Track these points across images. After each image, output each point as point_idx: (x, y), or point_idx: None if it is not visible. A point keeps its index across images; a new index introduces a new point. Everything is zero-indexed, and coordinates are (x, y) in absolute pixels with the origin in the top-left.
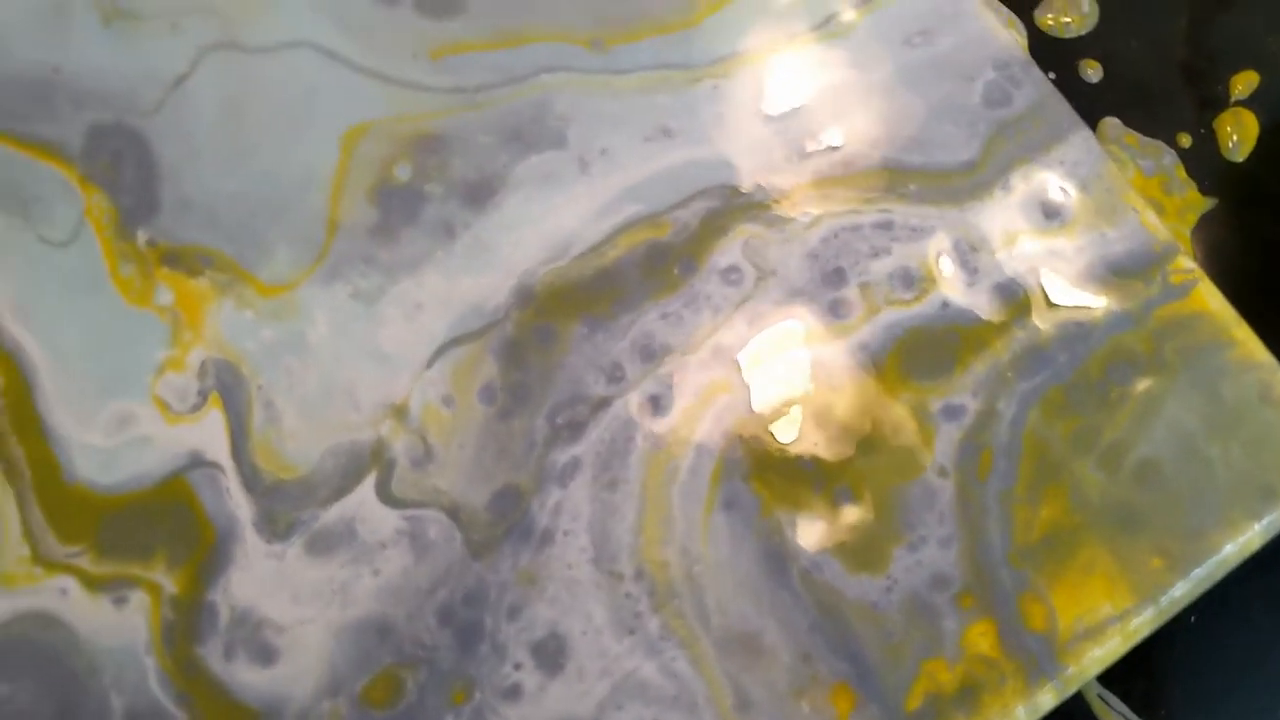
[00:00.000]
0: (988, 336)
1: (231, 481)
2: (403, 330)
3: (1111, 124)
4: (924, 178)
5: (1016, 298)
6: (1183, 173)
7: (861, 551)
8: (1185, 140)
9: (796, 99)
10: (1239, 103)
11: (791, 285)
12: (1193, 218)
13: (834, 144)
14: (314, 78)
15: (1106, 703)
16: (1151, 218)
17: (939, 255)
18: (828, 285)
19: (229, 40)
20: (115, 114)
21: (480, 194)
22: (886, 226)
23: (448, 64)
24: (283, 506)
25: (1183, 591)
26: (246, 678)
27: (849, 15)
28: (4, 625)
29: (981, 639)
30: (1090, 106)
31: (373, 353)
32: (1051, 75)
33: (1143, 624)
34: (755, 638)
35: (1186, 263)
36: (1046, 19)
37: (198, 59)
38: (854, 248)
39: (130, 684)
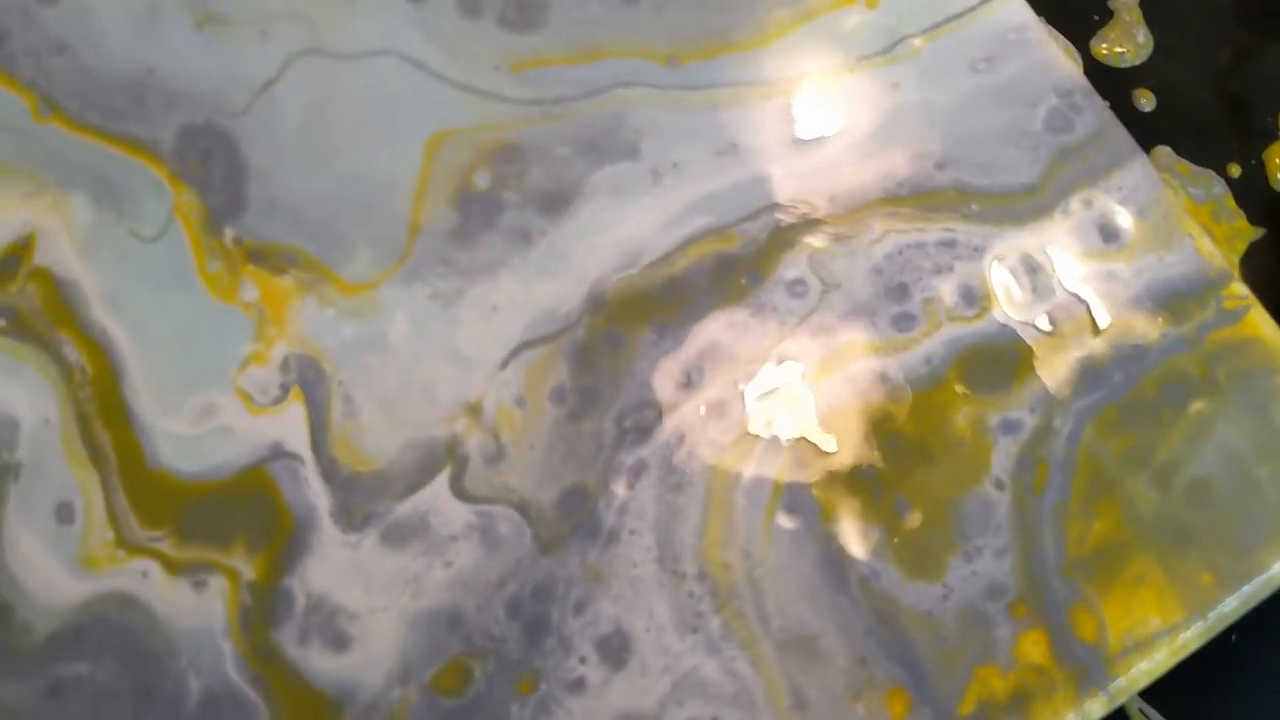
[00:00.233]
0: (1046, 354)
1: (311, 472)
2: (479, 331)
3: (1163, 152)
4: (987, 199)
5: (1074, 317)
6: (1232, 202)
7: (919, 560)
8: (1235, 170)
9: (864, 119)
10: None
11: (856, 299)
12: (1241, 246)
13: (899, 163)
14: (399, 86)
15: (1147, 716)
16: (1207, 244)
17: (1000, 274)
18: (891, 300)
19: (317, 47)
20: (205, 115)
21: (556, 202)
22: (950, 245)
23: (528, 76)
24: (359, 498)
25: (1231, 607)
26: (320, 663)
27: (916, 40)
28: (86, 605)
29: (1034, 648)
30: (1143, 135)
31: (450, 353)
32: (1106, 104)
33: (1190, 638)
34: (813, 640)
35: (1240, 289)
36: (1101, 49)
37: (286, 64)
38: (917, 264)
39: (207, 666)
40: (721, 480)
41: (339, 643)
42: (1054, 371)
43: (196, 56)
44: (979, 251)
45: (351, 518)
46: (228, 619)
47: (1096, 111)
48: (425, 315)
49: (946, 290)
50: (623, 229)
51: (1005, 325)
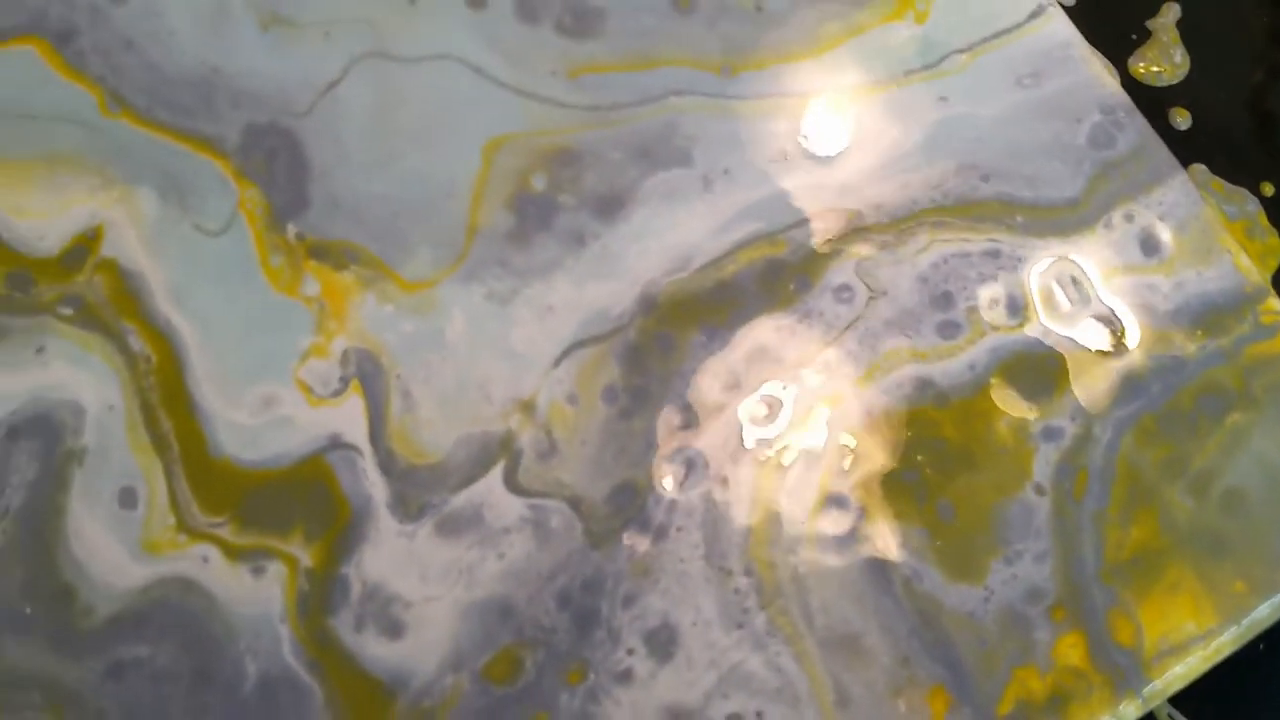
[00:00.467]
0: (1086, 364)
1: (368, 463)
2: (533, 330)
3: (1198, 170)
4: (1031, 211)
5: (1114, 329)
6: (1265, 220)
7: (961, 563)
8: (1268, 189)
9: (911, 131)
10: None
11: (901, 306)
12: (1273, 263)
13: (946, 175)
14: (458, 90)
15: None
16: (1244, 260)
17: (1043, 285)
18: (936, 308)
19: (379, 50)
20: (270, 114)
21: (610, 206)
22: (994, 255)
23: (584, 82)
24: (415, 489)
25: (1263, 614)
26: (375, 650)
27: (963, 55)
28: (147, 589)
29: (1072, 650)
30: (1179, 152)
31: (505, 350)
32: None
33: (1224, 644)
34: (856, 639)
35: (1276, 304)
36: (1139, 67)
37: (349, 66)
38: (962, 273)
39: (265, 650)
40: (767, 481)
41: (393, 630)
42: (1094, 381)
43: (262, 57)
44: (1023, 262)
45: (407, 508)
46: (285, 605)
47: (1138, 128)
48: (481, 314)
49: (990, 299)
50: (674, 233)
51: (1047, 335)
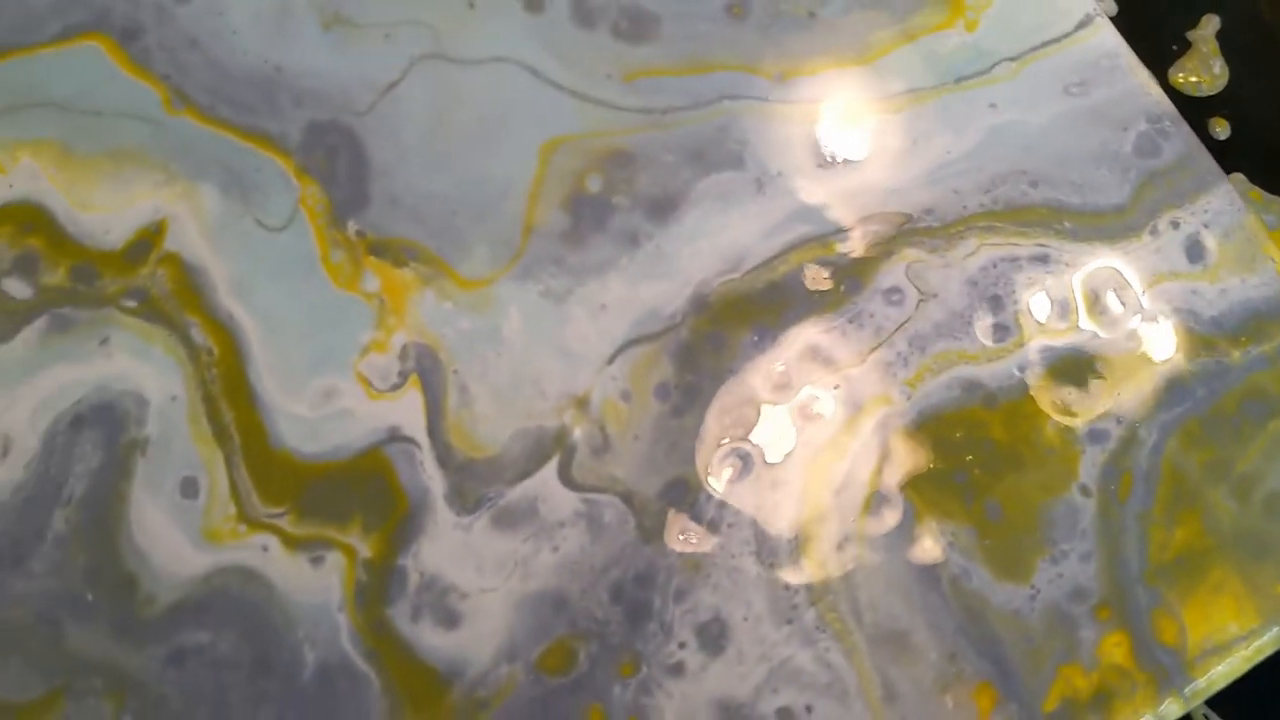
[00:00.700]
0: (1133, 367)
1: (426, 457)
2: (587, 328)
3: (1237, 179)
4: (1079, 217)
5: (1160, 333)
6: None
7: (1008, 562)
8: None
9: (961, 137)
10: None
11: (951, 308)
12: None
13: (995, 180)
14: (516, 92)
15: None
16: None
17: (1090, 289)
18: (985, 311)
19: (438, 52)
20: (331, 113)
21: (663, 208)
22: (1043, 260)
23: (639, 86)
24: (472, 482)
25: None
26: (431, 639)
27: (1012, 63)
28: (208, 578)
29: (1116, 649)
30: (1218, 161)
31: (559, 347)
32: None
33: (1265, 645)
34: (904, 635)
35: None
36: (1179, 78)
37: (409, 67)
38: (1011, 277)
39: (323, 639)
40: (817, 479)
41: (449, 620)
42: (1140, 385)
43: (323, 56)
44: (1070, 267)
45: (464, 501)
46: (344, 594)
47: (1184, 137)
48: (537, 311)
49: (1038, 303)
50: (726, 235)
51: (1094, 339)
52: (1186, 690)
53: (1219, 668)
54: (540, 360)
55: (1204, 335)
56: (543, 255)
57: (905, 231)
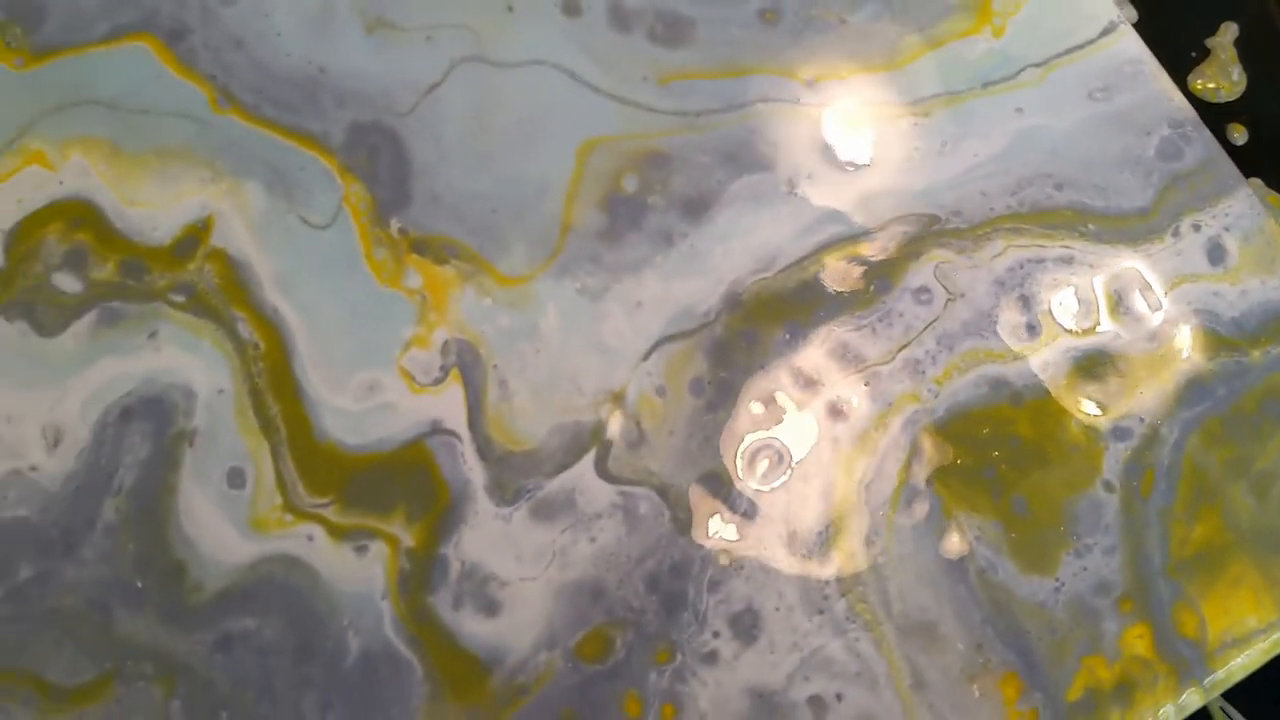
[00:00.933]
0: (1155, 367)
1: (467, 449)
2: (623, 325)
3: (1255, 184)
4: (1102, 220)
5: (1182, 334)
6: None
7: (1033, 555)
8: None
9: (988, 140)
10: None
11: (978, 308)
12: None
13: (1021, 182)
14: (554, 94)
15: (1228, 715)
16: None
17: (1114, 290)
18: (1012, 311)
19: (478, 54)
20: (374, 113)
21: (697, 208)
22: (1067, 261)
23: (674, 89)
24: (511, 475)
25: None
26: (472, 627)
27: (1038, 69)
28: (254, 566)
29: (1138, 641)
30: (1236, 166)
31: (596, 344)
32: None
33: None
34: (932, 626)
35: None
36: (1197, 84)
37: (449, 69)
38: (1037, 278)
39: (367, 626)
40: (847, 474)
41: (490, 608)
42: (1162, 384)
43: (366, 58)
44: (1094, 269)
45: (504, 492)
46: (387, 582)
47: (1205, 142)
48: (574, 308)
49: (1063, 303)
50: (759, 234)
51: (1117, 338)
52: (1206, 681)
53: (1238, 660)
54: (577, 356)
55: (1224, 336)
56: (580, 253)
57: (934, 232)
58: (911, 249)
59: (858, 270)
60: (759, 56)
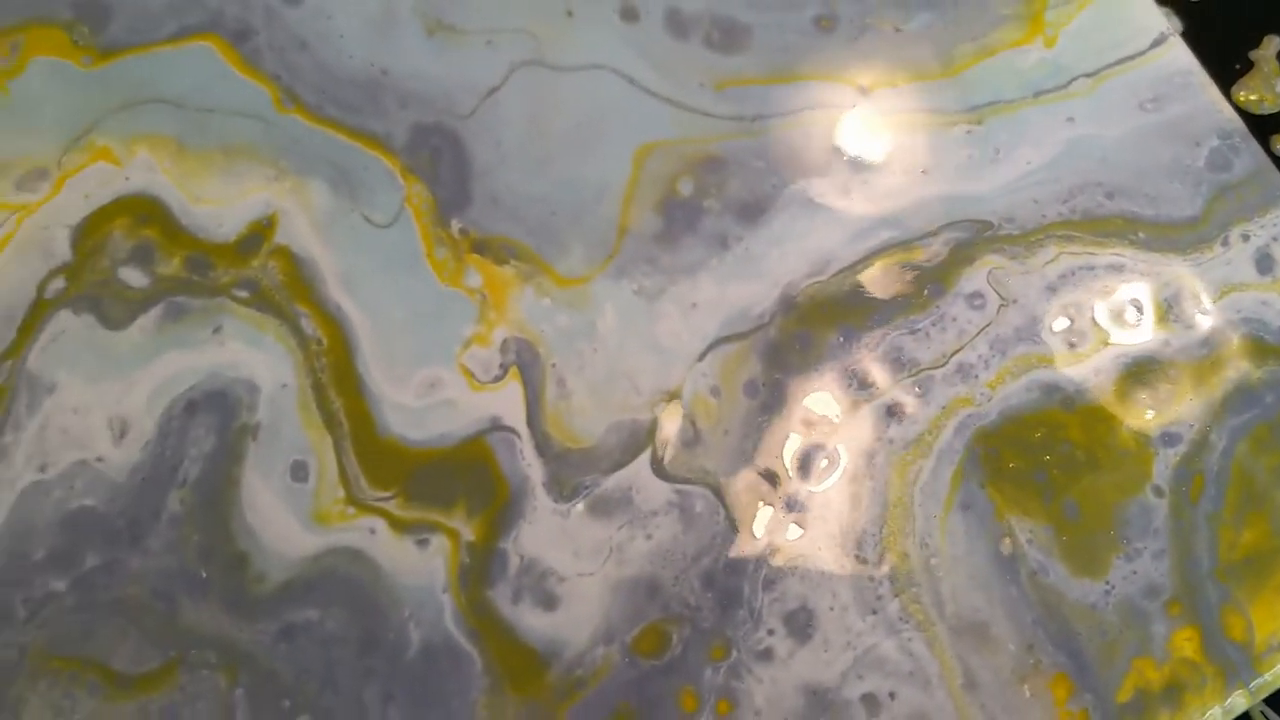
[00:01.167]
0: (1204, 374)
1: (526, 446)
2: (679, 326)
3: None
4: (1152, 228)
5: (1230, 341)
6: None
7: (1084, 558)
8: None
9: (1040, 149)
10: None
11: (1030, 314)
12: None
13: (1072, 191)
14: (612, 99)
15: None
16: None
17: (1164, 298)
18: (1063, 317)
19: (538, 59)
20: (435, 115)
21: (752, 211)
22: (1118, 269)
23: (729, 94)
24: (569, 471)
25: None
26: (531, 620)
27: (1089, 79)
28: (317, 557)
29: (1187, 644)
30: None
31: (652, 344)
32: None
33: None
34: (984, 627)
35: None
36: (1241, 96)
37: (509, 73)
38: (1088, 285)
39: (428, 619)
40: (901, 475)
41: (548, 602)
42: (1211, 391)
43: (427, 61)
44: (1145, 276)
45: (562, 489)
46: (448, 575)
47: (1253, 153)
48: (631, 309)
49: (1114, 310)
50: (813, 239)
51: (1167, 345)
52: (1253, 685)
53: None
54: (634, 356)
55: (1272, 344)
56: (636, 255)
57: (986, 239)
58: (965, 254)
59: (911, 275)
60: (814, 63)
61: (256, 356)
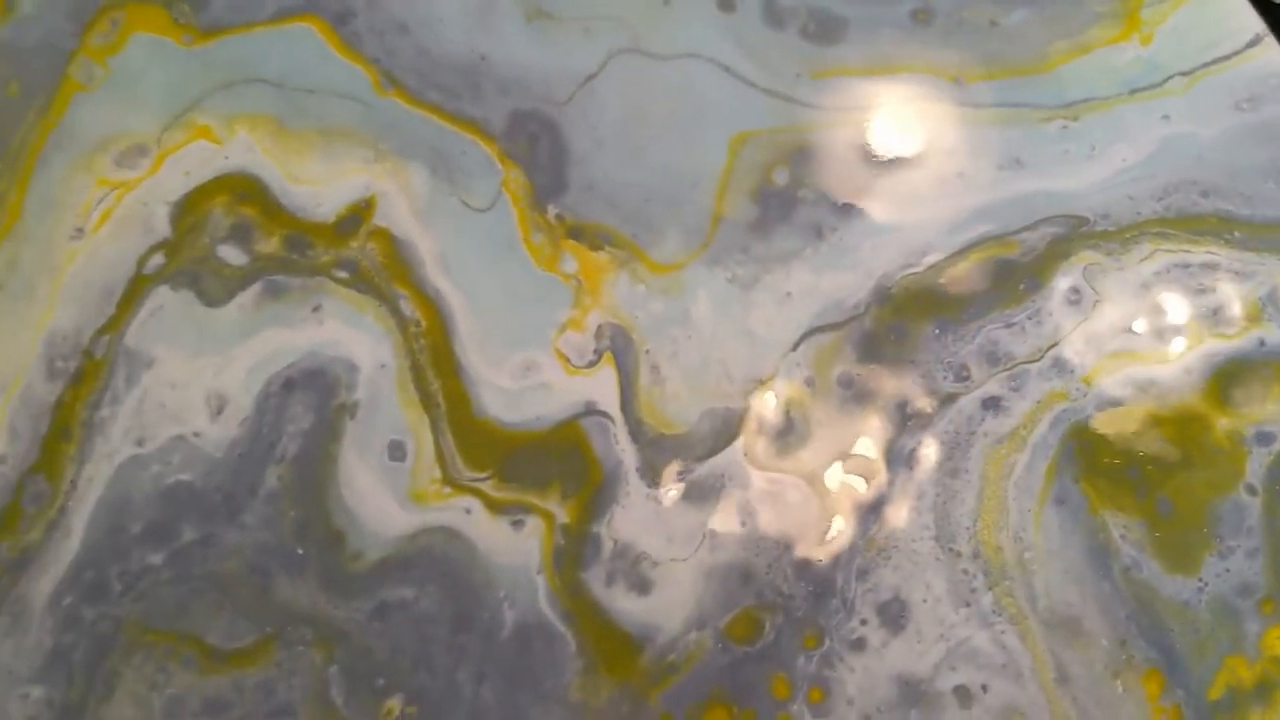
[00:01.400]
0: None
1: (619, 431)
2: (772, 315)
3: None
4: (1247, 228)
5: None
6: None
7: (1177, 555)
8: None
9: (1135, 146)
10: None
11: (1125, 311)
12: None
13: (1167, 189)
14: (707, 87)
15: None
16: None
17: (1258, 297)
18: (1158, 314)
19: (635, 46)
20: (533, 102)
21: (846, 202)
22: (1213, 267)
23: (826, 84)
24: (662, 457)
25: None
26: (624, 604)
27: (1184, 78)
28: (413, 536)
29: (1279, 643)
30: None
31: (745, 332)
32: None
33: None
34: (1077, 621)
35: None
36: None
37: (607, 60)
38: (1183, 283)
39: (522, 600)
40: (995, 469)
41: (641, 586)
42: None
43: (526, 47)
44: (1239, 276)
45: (655, 474)
46: (542, 557)
47: None
48: (724, 297)
49: (1208, 309)
50: (908, 230)
51: (1262, 345)
52: None
53: None
54: (727, 344)
55: None
56: (730, 243)
57: (1082, 234)
58: (1060, 250)
59: (1007, 269)
60: (910, 55)
61: (355, 336)
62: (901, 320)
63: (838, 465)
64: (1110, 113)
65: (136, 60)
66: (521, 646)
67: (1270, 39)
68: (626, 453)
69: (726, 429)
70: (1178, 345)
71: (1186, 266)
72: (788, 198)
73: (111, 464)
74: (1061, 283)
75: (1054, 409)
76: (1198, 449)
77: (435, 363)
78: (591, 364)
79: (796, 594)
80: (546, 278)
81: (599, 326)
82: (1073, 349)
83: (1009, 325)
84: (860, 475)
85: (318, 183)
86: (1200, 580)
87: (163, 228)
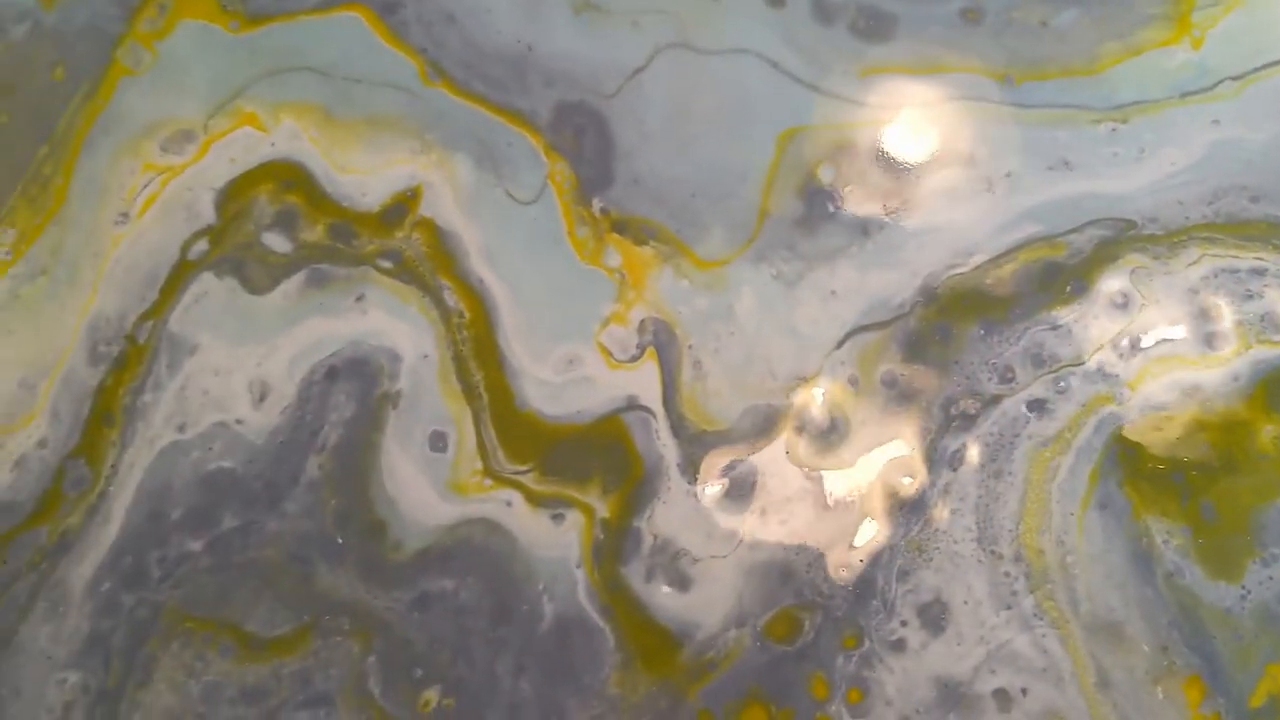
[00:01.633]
0: None
1: (661, 426)
2: (817, 313)
3: None
4: None
5: None
6: None
7: (1220, 561)
8: None
9: (1184, 151)
10: None
11: (1172, 315)
12: None
13: (1216, 193)
14: (755, 83)
15: None
16: None
17: None
18: (1205, 319)
19: (682, 41)
20: (580, 94)
21: (893, 200)
22: (1261, 273)
23: (873, 82)
24: (703, 453)
25: None
26: (663, 600)
27: (1235, 82)
28: (454, 527)
29: None
30: None
31: (789, 330)
32: None
33: None
34: (1119, 626)
35: None
36: None
37: (654, 54)
38: (1230, 288)
39: (561, 592)
40: (1039, 472)
41: (681, 582)
42: None
43: (573, 39)
44: None
45: (696, 470)
46: (581, 551)
47: None
48: (769, 294)
49: (1256, 315)
50: (955, 230)
51: None
52: None
53: None
54: (771, 341)
55: None
56: (776, 240)
57: (1129, 237)
58: (1108, 252)
59: (1055, 270)
60: (959, 54)
61: (399, 326)
62: (947, 320)
63: (880, 465)
64: (1160, 116)
65: (184, 46)
66: (560, 640)
67: None
68: (668, 448)
69: (768, 426)
70: (1224, 351)
71: (1234, 272)
72: (834, 195)
73: (152, 450)
74: (1108, 286)
75: (1099, 412)
76: (1243, 455)
77: (478, 354)
78: (634, 358)
79: (836, 594)
80: (590, 271)
81: (642, 321)
82: (1118, 353)
83: (1055, 327)
84: (902, 475)
85: (363, 172)
86: (1243, 587)
87: (208, 214)
